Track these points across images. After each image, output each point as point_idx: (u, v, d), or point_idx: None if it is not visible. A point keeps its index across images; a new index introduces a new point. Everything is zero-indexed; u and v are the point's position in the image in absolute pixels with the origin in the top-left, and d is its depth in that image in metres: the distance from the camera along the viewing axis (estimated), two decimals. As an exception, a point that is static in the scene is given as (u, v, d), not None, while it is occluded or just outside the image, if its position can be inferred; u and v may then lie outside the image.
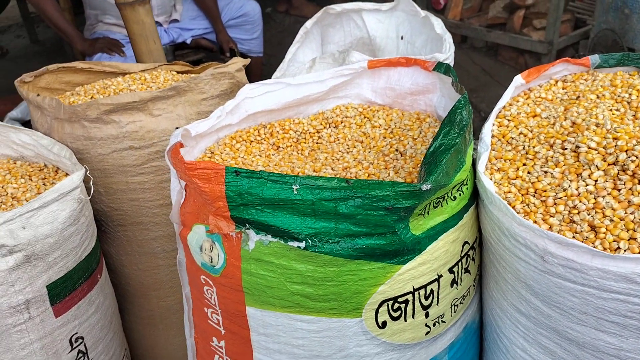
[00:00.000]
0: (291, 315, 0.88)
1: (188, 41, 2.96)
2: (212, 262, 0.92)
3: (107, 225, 1.40)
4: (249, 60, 1.44)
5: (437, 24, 1.46)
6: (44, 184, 1.29)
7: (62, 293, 1.14)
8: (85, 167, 1.21)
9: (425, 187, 0.79)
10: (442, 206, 0.87)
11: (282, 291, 0.86)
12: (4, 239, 1.02)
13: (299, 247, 0.81)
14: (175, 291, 1.47)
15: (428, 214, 0.86)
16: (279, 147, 1.29)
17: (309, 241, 0.81)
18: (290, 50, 1.72)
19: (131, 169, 1.33)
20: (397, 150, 1.12)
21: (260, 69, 3.38)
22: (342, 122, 1.30)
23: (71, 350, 1.18)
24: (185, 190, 0.95)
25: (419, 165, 1.04)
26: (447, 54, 1.33)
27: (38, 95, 1.39)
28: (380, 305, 0.86)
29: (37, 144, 1.34)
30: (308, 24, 1.71)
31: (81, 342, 1.20)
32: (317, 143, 1.28)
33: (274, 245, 0.83)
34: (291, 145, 1.29)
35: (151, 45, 1.62)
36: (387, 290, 0.85)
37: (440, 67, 1.16)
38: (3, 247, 1.02)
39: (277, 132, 1.31)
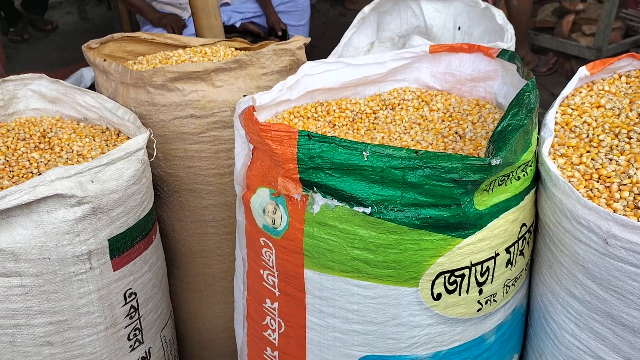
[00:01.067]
0: (349, 279, 0.90)
1: (237, 25, 3.01)
2: (274, 224, 0.95)
3: (163, 190, 1.45)
4: (309, 39, 1.47)
5: (499, 14, 1.47)
6: (106, 145, 1.34)
7: (121, 248, 1.19)
8: (150, 130, 1.25)
9: (495, 161, 0.80)
10: (506, 184, 0.89)
11: (343, 255, 0.88)
12: (74, 189, 1.07)
13: (364, 212, 0.84)
14: (222, 259, 1.51)
15: (492, 190, 0.87)
16: (335, 125, 1.31)
17: (375, 207, 0.83)
18: (346, 35, 1.74)
19: (190, 136, 1.37)
20: (456, 132, 1.13)
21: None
22: (399, 105, 1.32)
23: (124, 305, 1.23)
24: (253, 154, 0.98)
25: (479, 147, 1.06)
26: (508, 43, 1.33)
27: (105, 60, 1.44)
28: (437, 276, 0.88)
29: (101, 106, 1.39)
30: (366, 9, 1.73)
31: (134, 298, 1.25)
32: (373, 123, 1.30)
33: (339, 210, 0.86)
34: (347, 125, 1.31)
35: (212, 21, 1.66)
36: (446, 262, 0.87)
37: (505, 54, 1.17)
38: (73, 197, 1.07)
39: (334, 110, 1.33)
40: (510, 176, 0.89)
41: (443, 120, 1.21)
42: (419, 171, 0.81)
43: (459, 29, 1.69)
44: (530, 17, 3.73)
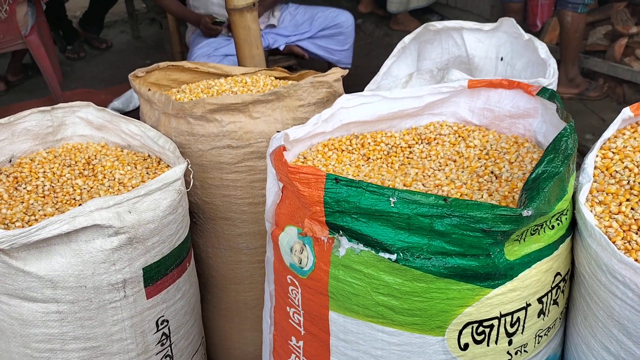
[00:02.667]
0: (373, 325, 0.89)
1: (281, 47, 3.05)
2: (300, 263, 0.95)
3: (199, 217, 1.48)
4: (347, 70, 1.48)
5: (542, 48, 1.44)
6: (147, 173, 1.38)
7: (155, 276, 1.21)
8: (187, 161, 1.28)
9: (526, 213, 0.78)
10: (539, 234, 0.86)
11: (367, 300, 0.88)
12: (112, 220, 1.10)
13: (389, 259, 0.83)
14: (254, 287, 1.52)
15: (524, 240, 0.85)
16: (369, 158, 1.31)
17: (401, 254, 0.82)
18: (386, 64, 1.74)
19: (227, 166, 1.39)
20: (492, 172, 1.11)
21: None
22: (435, 139, 1.30)
23: (156, 332, 1.25)
24: (282, 192, 0.99)
25: (515, 189, 1.03)
26: (550, 79, 1.30)
27: (149, 90, 1.48)
28: (464, 326, 0.86)
29: (144, 135, 1.43)
30: (406, 39, 1.73)
31: (166, 325, 1.27)
32: (407, 158, 1.29)
33: (365, 255, 0.85)
34: (381, 158, 1.30)
35: (254, 51, 1.69)
36: (474, 312, 0.85)
37: (545, 92, 1.14)
38: (110, 227, 1.10)
39: (369, 143, 1.33)
40: (544, 225, 0.86)
41: (479, 158, 1.19)
42: (447, 220, 0.80)
43: (502, 59, 1.66)
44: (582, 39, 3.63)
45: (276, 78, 1.68)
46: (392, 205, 0.81)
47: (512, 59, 1.62)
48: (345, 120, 1.32)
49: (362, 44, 4.70)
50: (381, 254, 0.84)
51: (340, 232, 0.86)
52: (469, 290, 0.84)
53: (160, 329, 1.26)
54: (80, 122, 1.51)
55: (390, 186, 1.13)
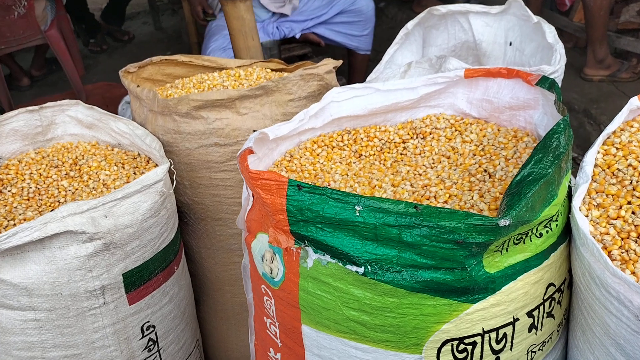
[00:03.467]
0: (346, 341, 0.83)
1: (297, 36, 2.97)
2: (272, 273, 0.89)
3: (189, 217, 1.43)
4: (340, 61, 1.40)
5: (549, 31, 1.33)
6: (134, 173, 1.34)
7: (137, 282, 1.17)
8: (170, 161, 1.23)
9: (504, 222, 0.70)
10: (524, 243, 0.78)
11: (338, 315, 0.81)
12: (86, 226, 1.06)
13: (357, 271, 0.76)
14: (250, 289, 1.47)
15: (507, 250, 0.77)
16: (361, 155, 1.23)
17: (369, 267, 0.75)
18: (388, 52, 1.65)
19: (215, 165, 1.34)
20: (485, 170, 1.02)
21: (366, 66, 3.32)
22: (430, 134, 1.22)
23: (142, 338, 1.22)
24: (253, 197, 0.93)
25: (507, 190, 0.95)
26: (555, 66, 1.20)
27: (138, 86, 1.44)
28: (443, 344, 0.79)
29: (132, 133, 1.39)
30: (409, 24, 1.64)
31: (152, 331, 1.23)
32: (401, 154, 1.21)
33: (332, 267, 0.79)
34: (374, 154, 1.23)
35: (249, 42, 1.62)
36: (452, 329, 0.78)
37: (544, 82, 1.04)
38: (84, 233, 1.06)
39: (361, 139, 1.26)
40: (530, 234, 0.78)
41: (474, 155, 1.10)
42: (416, 230, 0.72)
43: (510, 44, 1.55)
44: (613, 18, 3.43)
45: (272, 70, 1.62)
46: (358, 214, 0.74)
47: (522, 43, 1.51)
48: (335, 115, 1.25)
49: (385, 28, 4.58)
50: (348, 267, 0.77)
51: (306, 242, 0.80)
52: (445, 305, 0.76)
53: (146, 335, 1.23)
54: (70, 120, 1.47)
55: (378, 187, 1.06)
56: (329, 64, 1.35)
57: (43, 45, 3.81)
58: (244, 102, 1.31)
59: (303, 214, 0.77)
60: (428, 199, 0.97)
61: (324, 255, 0.79)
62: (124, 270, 1.14)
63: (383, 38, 4.33)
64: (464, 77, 1.19)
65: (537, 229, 0.78)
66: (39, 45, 3.68)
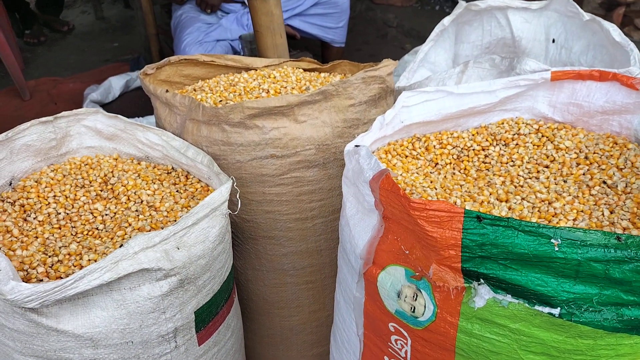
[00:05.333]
0: (516, 385, 0.74)
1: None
2: (414, 312, 0.78)
3: (237, 237, 1.29)
4: (397, 62, 1.29)
5: (614, 30, 1.29)
6: (177, 191, 1.18)
7: (207, 318, 1.03)
8: (232, 178, 1.08)
9: None
10: None
11: (511, 359, 0.72)
12: (161, 261, 0.91)
13: (550, 313, 0.67)
14: (300, 311, 1.35)
15: None
16: (437, 164, 1.14)
17: (565, 308, 0.67)
18: (422, 50, 1.57)
19: (270, 178, 1.20)
20: (604, 182, 0.96)
21: (340, 59, 3.23)
22: (513, 140, 1.14)
23: (209, 380, 1.07)
24: (385, 223, 0.81)
25: (642, 205, 0.89)
26: (639, 67, 1.16)
27: (167, 91, 1.27)
28: (630, 382, 0.72)
29: (167, 145, 1.22)
30: (445, 20, 1.56)
31: (218, 371, 1.10)
32: (484, 162, 1.13)
33: (514, 307, 0.69)
34: (451, 163, 1.14)
35: (277, 40, 1.48)
36: (643, 366, 0.71)
37: (652, 86, 0.99)
38: (159, 270, 0.91)
39: (434, 146, 1.17)
40: None
41: (578, 164, 1.03)
42: (627, 265, 0.64)
43: (553, 41, 1.51)
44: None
45: (304, 70, 1.49)
46: (557, 249, 0.65)
47: (567, 40, 1.47)
48: (407, 122, 1.15)
49: (344, 19, 4.48)
50: (538, 307, 0.68)
51: (481, 280, 0.70)
52: (641, 343, 0.69)
53: (212, 376, 1.09)
54: (87, 131, 1.28)
55: (484, 201, 0.97)
56: (390, 65, 1.24)
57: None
58: (302, 108, 1.18)
59: (484, 250, 0.67)
60: (554, 216, 0.90)
61: (504, 295, 0.69)
62: (196, 307, 1.00)
63: (345, 29, 4.24)
64: (551, 80, 1.12)
65: None
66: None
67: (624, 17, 3.38)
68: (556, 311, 0.67)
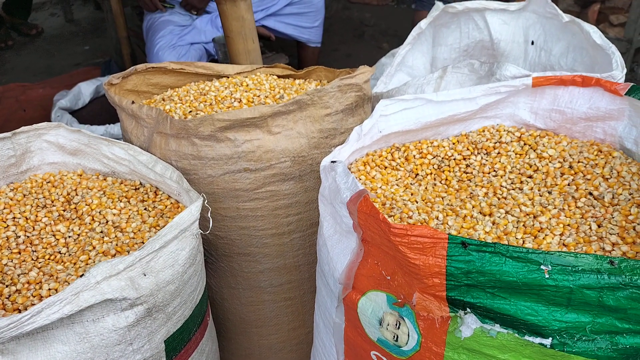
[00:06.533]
0: (506, 416, 0.70)
1: (247, 29, 2.76)
2: (396, 340, 0.74)
3: (210, 255, 1.23)
4: (374, 68, 1.25)
5: (594, 32, 1.26)
6: (145, 209, 1.11)
7: (178, 347, 0.97)
8: (202, 196, 1.03)
9: None
10: None
11: (501, 389, 0.68)
12: (126, 290, 0.84)
13: (541, 343, 0.63)
14: (279, 329, 1.29)
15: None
16: (417, 174, 1.10)
17: (557, 337, 0.63)
18: (400, 53, 1.52)
19: (244, 193, 1.15)
20: (590, 193, 0.93)
21: (316, 60, 3.19)
22: (494, 149, 1.11)
23: (183, 410, 1.02)
24: (363, 247, 0.77)
25: (631, 217, 0.85)
26: (621, 71, 1.13)
27: (133, 102, 1.21)
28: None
29: (133, 159, 1.16)
30: (422, 23, 1.51)
31: (193, 399, 1.04)
32: (465, 173, 1.09)
33: (503, 337, 0.65)
34: (432, 173, 1.10)
35: (249, 45, 1.42)
36: (638, 394, 0.67)
37: (636, 92, 0.96)
38: (124, 300, 0.85)
39: (414, 156, 1.12)
40: None
41: (562, 173, 1.00)
42: (621, 292, 0.60)
43: (532, 43, 1.47)
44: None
45: (278, 77, 1.43)
46: (547, 275, 0.61)
47: (547, 42, 1.44)
48: (385, 131, 1.11)
49: (320, 18, 4.42)
50: (528, 337, 0.64)
51: (467, 309, 0.65)
52: (637, 371, 0.65)
53: (186, 404, 1.03)
54: (48, 147, 1.21)
55: (466, 216, 0.93)
56: (366, 72, 1.20)
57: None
58: (276, 119, 1.12)
59: (470, 278, 0.63)
60: (540, 231, 0.86)
61: (493, 324, 0.65)
62: (166, 336, 0.94)
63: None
64: (532, 86, 1.08)
65: None
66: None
67: (598, 14, 3.38)
68: (548, 341, 0.63)
